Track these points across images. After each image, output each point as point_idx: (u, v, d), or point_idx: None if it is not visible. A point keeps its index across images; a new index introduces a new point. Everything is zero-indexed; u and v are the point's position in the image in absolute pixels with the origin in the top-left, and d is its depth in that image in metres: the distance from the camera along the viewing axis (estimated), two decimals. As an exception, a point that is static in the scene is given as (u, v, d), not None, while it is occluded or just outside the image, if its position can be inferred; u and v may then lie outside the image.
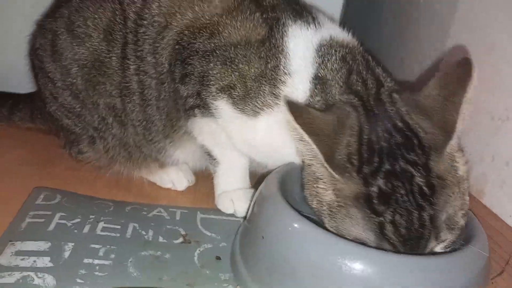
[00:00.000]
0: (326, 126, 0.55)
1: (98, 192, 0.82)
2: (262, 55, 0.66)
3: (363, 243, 0.54)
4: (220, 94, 0.68)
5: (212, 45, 0.69)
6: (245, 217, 0.72)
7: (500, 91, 0.78)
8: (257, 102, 0.66)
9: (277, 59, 0.66)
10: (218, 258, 0.67)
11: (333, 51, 0.66)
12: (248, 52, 0.67)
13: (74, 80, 0.79)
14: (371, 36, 1.34)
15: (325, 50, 0.66)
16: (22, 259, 0.59)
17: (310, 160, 0.58)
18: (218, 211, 0.80)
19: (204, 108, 0.71)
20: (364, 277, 0.51)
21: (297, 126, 0.54)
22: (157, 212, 0.77)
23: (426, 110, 0.58)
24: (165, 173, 0.87)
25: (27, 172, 0.86)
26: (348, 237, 0.55)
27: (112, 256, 0.63)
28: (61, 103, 0.82)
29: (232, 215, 0.79)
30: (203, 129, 0.75)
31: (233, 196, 0.79)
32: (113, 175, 0.86)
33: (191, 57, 0.70)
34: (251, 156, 0.75)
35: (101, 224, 0.70)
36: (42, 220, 0.68)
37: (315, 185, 0.58)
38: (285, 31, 0.67)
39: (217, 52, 0.68)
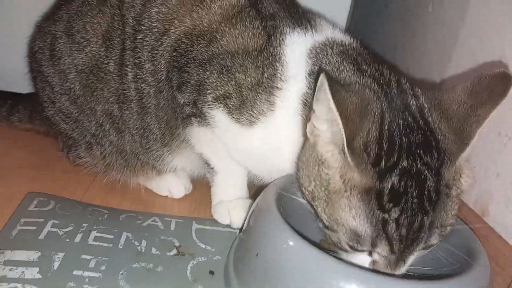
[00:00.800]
0: (352, 109, 0.52)
1: (94, 197, 0.81)
2: (259, 64, 0.65)
3: (357, 236, 0.53)
4: (216, 103, 0.67)
5: (210, 53, 0.67)
6: (241, 229, 0.70)
7: (508, 107, 0.75)
8: (253, 111, 0.65)
9: (274, 67, 0.65)
10: (211, 272, 0.66)
11: (328, 48, 0.65)
12: (245, 61, 0.65)
13: (72, 85, 0.78)
14: (377, 44, 1.32)
15: (319, 50, 0.65)
16: (10, 270, 0.58)
17: (322, 141, 0.55)
18: (214, 222, 0.78)
19: (201, 117, 0.70)
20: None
21: (333, 106, 0.50)
22: (152, 221, 0.76)
23: (447, 113, 0.57)
24: (162, 180, 0.85)
25: (24, 175, 0.85)
26: (342, 227, 0.53)
27: (103, 268, 0.62)
28: (58, 107, 0.81)
29: (228, 226, 0.78)
30: (200, 138, 0.74)
31: (230, 206, 0.77)
32: (110, 182, 0.84)
33: (188, 65, 0.69)
34: (247, 166, 0.74)
35: (93, 233, 0.69)
36: (34, 227, 0.67)
37: (317, 168, 0.55)
38: (282, 40, 0.66)
39: (214, 60, 0.67)
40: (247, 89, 0.65)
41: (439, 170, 0.53)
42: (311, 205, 0.57)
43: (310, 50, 0.65)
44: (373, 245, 0.52)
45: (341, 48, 0.65)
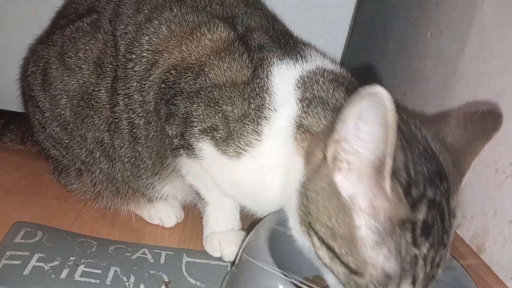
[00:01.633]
0: None
1: (84, 225, 0.80)
2: (245, 96, 0.64)
3: (388, 275, 0.48)
4: (202, 135, 0.66)
5: (197, 85, 0.66)
6: (233, 262, 0.69)
7: (506, 143, 0.74)
8: (240, 143, 0.64)
9: (261, 97, 0.63)
10: (200, 311, 0.64)
11: (318, 76, 0.63)
12: (232, 94, 0.64)
13: (63, 112, 0.76)
14: (375, 67, 1.31)
15: (307, 79, 0.63)
16: (-8, 310, 0.57)
17: (352, 167, 0.49)
18: (205, 254, 0.76)
19: (188, 148, 0.69)
20: None
21: (393, 127, 0.44)
22: (142, 254, 0.74)
23: (445, 145, 0.56)
24: (154, 208, 0.84)
25: (12, 201, 0.83)
26: (372, 269, 0.48)
27: (88, 307, 0.60)
28: (49, 133, 0.80)
29: (219, 258, 0.76)
30: (190, 170, 0.72)
31: (220, 238, 0.76)
32: (100, 208, 0.83)
33: (176, 97, 0.67)
34: (235, 198, 0.72)
35: (80, 268, 0.67)
36: (19, 262, 0.65)
37: (336, 202, 0.50)
38: (270, 71, 0.65)
39: (202, 93, 0.66)
40: (234, 121, 0.64)
41: (449, 199, 0.51)
42: (327, 246, 0.51)
43: (297, 80, 0.64)
44: (398, 285, 0.48)
45: (332, 76, 0.64)
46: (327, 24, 1.12)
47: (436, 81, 1.00)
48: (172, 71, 0.68)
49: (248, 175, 0.65)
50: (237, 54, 0.66)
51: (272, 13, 0.80)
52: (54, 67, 0.77)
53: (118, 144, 0.75)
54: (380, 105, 0.44)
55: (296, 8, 0.99)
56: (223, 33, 0.68)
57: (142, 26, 0.71)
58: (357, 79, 0.68)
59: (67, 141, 0.79)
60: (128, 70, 0.71)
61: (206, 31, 0.68)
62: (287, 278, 0.54)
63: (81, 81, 0.75)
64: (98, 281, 0.65)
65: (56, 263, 0.67)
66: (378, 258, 0.48)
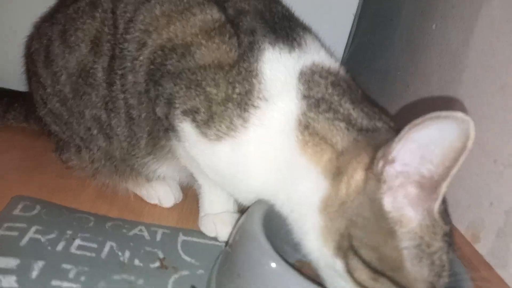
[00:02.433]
0: None
1: (83, 203, 0.80)
2: (230, 80, 0.63)
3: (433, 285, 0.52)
4: (184, 117, 0.66)
5: (181, 66, 0.66)
6: (227, 243, 0.69)
7: (507, 135, 0.74)
8: (221, 126, 0.63)
9: (249, 83, 0.62)
10: (193, 287, 0.65)
11: (317, 77, 0.62)
12: (217, 76, 0.64)
13: (63, 88, 0.77)
14: (379, 59, 1.31)
15: (308, 76, 0.62)
16: (-13, 277, 0.57)
17: (408, 194, 0.51)
18: (201, 233, 0.77)
19: (173, 131, 0.69)
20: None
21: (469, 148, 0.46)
22: (138, 231, 0.74)
23: None
24: (152, 187, 0.84)
25: (12, 177, 0.84)
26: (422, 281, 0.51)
27: (83, 279, 0.61)
28: (50, 109, 0.81)
29: (215, 238, 0.77)
30: (180, 152, 0.73)
31: (215, 219, 0.76)
32: (99, 187, 0.84)
33: (162, 79, 0.68)
34: (219, 184, 0.72)
35: (77, 242, 0.67)
36: (16, 233, 0.66)
37: (380, 223, 0.51)
38: (260, 56, 0.64)
39: (184, 74, 0.65)
40: (216, 104, 0.63)
41: None
42: (373, 268, 0.51)
43: (298, 72, 0.63)
44: None
45: (333, 79, 0.63)
46: (332, 15, 1.12)
47: (440, 74, 0.99)
48: (159, 52, 0.68)
49: (228, 160, 0.65)
50: (227, 35, 0.66)
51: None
52: (56, 44, 0.77)
53: (115, 123, 0.76)
54: (465, 130, 0.45)
55: None
56: (215, 14, 0.68)
57: (140, 6, 0.71)
58: (353, 80, 0.67)
59: (66, 117, 0.80)
60: (123, 50, 0.72)
61: (198, 11, 0.68)
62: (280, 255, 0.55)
63: (80, 59, 0.75)
64: (93, 255, 0.66)
65: (53, 235, 0.67)
66: (424, 272, 0.50)
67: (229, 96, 0.63)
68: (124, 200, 0.84)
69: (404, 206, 0.50)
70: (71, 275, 0.61)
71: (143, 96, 0.72)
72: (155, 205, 0.85)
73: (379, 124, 0.58)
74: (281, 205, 0.62)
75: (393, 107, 1.13)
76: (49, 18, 0.82)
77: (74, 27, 0.75)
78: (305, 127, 0.59)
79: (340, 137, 0.57)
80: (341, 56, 1.17)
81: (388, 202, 0.50)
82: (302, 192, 0.59)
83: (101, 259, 0.66)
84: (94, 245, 0.68)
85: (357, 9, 1.16)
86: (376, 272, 0.51)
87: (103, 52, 0.73)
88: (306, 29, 0.71)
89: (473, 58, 0.87)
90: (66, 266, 0.62)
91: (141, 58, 0.70)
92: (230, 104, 0.62)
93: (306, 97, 0.61)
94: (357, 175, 0.53)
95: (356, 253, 0.52)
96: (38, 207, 0.73)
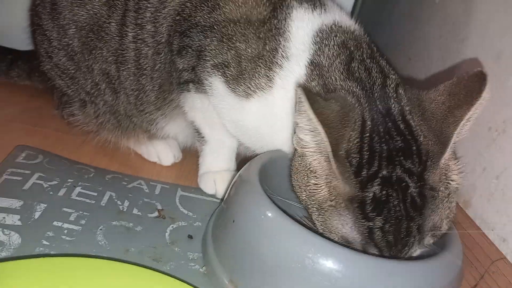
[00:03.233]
0: (333, 117, 0.53)
1: (83, 157, 0.82)
2: (261, 36, 0.64)
3: (348, 242, 0.54)
4: (214, 71, 0.67)
5: (212, 20, 0.67)
6: (222, 199, 0.71)
7: (501, 102, 0.75)
8: (251, 84, 0.64)
9: (276, 41, 0.64)
10: (190, 237, 0.67)
11: (332, 36, 0.63)
12: (247, 31, 0.64)
13: (71, 42, 0.78)
14: (380, 33, 1.31)
15: (324, 35, 0.63)
16: (-9, 214, 0.59)
17: (308, 151, 0.56)
18: (199, 190, 0.79)
19: (198, 83, 0.70)
20: (329, 274, 0.50)
21: (312, 116, 0.51)
22: (137, 184, 0.76)
23: (427, 114, 0.57)
24: (153, 146, 0.86)
25: (15, 129, 0.86)
26: (334, 234, 0.54)
27: (83, 222, 0.63)
28: (55, 63, 0.82)
29: (212, 195, 0.78)
30: (195, 105, 0.74)
31: (216, 177, 0.78)
32: (101, 142, 0.85)
33: (191, 30, 0.68)
34: (239, 138, 0.74)
35: (77, 189, 0.69)
36: (19, 178, 0.68)
37: (306, 178, 0.56)
38: (289, 13, 0.65)
39: (216, 27, 0.66)
40: (246, 60, 0.64)
41: (422, 174, 0.53)
42: (308, 213, 0.58)
43: (316, 33, 0.64)
44: (365, 251, 0.53)
45: (343, 38, 0.63)
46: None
47: (440, 46, 1.00)
48: (188, 4, 0.69)
49: (255, 118, 0.67)
50: None
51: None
52: (64, -4, 0.78)
53: (123, 76, 0.77)
54: (302, 101, 0.52)
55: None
56: None
57: None
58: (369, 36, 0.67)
59: (73, 71, 0.80)
60: (141, 2, 0.72)
61: None
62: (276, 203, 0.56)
63: (92, 12, 0.75)
64: (93, 202, 0.68)
65: (54, 182, 0.69)
66: (337, 227, 0.54)
67: (259, 53, 0.64)
68: (124, 156, 0.86)
69: (313, 157, 0.56)
70: (72, 218, 0.63)
71: (162, 46, 0.72)
72: (155, 163, 0.87)
73: (346, 84, 0.59)
74: None
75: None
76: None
77: None
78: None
79: None
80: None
81: (305, 154, 0.57)
82: None
83: (100, 206, 0.68)
84: (94, 194, 0.70)
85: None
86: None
87: (118, 7, 0.74)
88: None
89: (472, 29, 0.88)
90: (67, 210, 0.64)
91: (166, 9, 0.71)
92: (260, 62, 0.63)
93: (311, 64, 0.62)
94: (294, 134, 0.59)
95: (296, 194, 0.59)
96: (40, 156, 0.75)
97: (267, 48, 0.64)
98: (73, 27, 0.77)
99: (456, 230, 0.60)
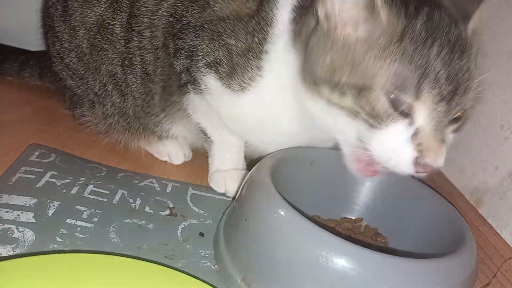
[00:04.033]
0: None
1: (94, 156, 0.82)
2: (249, 30, 0.65)
3: (400, 76, 0.51)
4: (207, 70, 0.67)
5: (202, 19, 0.68)
6: (234, 198, 0.71)
7: (513, 101, 0.75)
8: (244, 77, 0.65)
9: (264, 32, 0.64)
10: (201, 234, 0.67)
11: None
12: (236, 27, 0.65)
13: (80, 43, 0.79)
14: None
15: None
16: (6, 212, 0.60)
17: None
18: (210, 189, 0.79)
19: (195, 84, 0.70)
20: (343, 273, 0.50)
21: None
22: (149, 182, 0.77)
23: None
24: (163, 144, 0.86)
25: (27, 129, 0.86)
26: (380, 76, 0.52)
27: (96, 219, 0.63)
28: (66, 63, 0.82)
29: (223, 194, 0.79)
30: (197, 107, 0.74)
31: (225, 176, 0.78)
32: (111, 142, 0.85)
33: (183, 31, 0.69)
34: (242, 135, 0.74)
35: (90, 187, 0.70)
36: (33, 176, 0.68)
37: (335, 32, 0.55)
38: (275, 2, 0.65)
39: (206, 26, 0.67)
40: (238, 55, 0.65)
41: (457, 22, 0.55)
42: (330, 82, 0.55)
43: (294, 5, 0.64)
44: (419, 89, 0.50)
45: None
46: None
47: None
48: (179, 4, 0.69)
49: (253, 110, 0.67)
50: None
51: None
52: (75, -1, 0.78)
53: (130, 79, 0.77)
54: None
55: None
56: None
57: None
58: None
59: (82, 71, 0.81)
60: (140, 7, 0.73)
61: None
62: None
63: (98, 14, 0.76)
64: (105, 200, 0.68)
65: (67, 180, 0.70)
66: (384, 66, 0.51)
67: (249, 46, 0.64)
68: (135, 155, 0.86)
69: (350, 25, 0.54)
70: (85, 215, 0.63)
71: (160, 50, 0.73)
72: (165, 162, 0.87)
73: None
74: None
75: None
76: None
77: None
78: (295, 34, 0.61)
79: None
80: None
81: (335, 8, 0.54)
82: None
83: (113, 204, 0.68)
84: (106, 192, 0.70)
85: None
86: (338, 85, 0.54)
87: (122, 10, 0.74)
88: None
89: (482, 27, 0.88)
90: (80, 207, 0.65)
91: (160, 12, 0.71)
92: (250, 55, 0.64)
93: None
94: (311, 25, 0.59)
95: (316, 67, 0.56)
96: (53, 155, 0.76)
97: (256, 40, 0.64)
98: (83, 28, 0.78)
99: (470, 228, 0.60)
